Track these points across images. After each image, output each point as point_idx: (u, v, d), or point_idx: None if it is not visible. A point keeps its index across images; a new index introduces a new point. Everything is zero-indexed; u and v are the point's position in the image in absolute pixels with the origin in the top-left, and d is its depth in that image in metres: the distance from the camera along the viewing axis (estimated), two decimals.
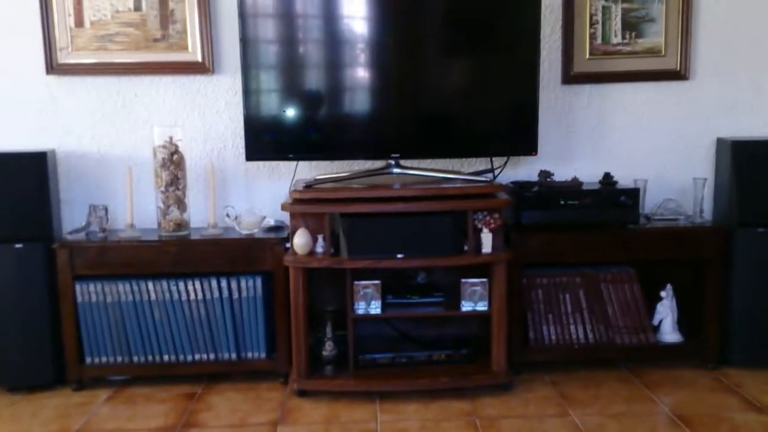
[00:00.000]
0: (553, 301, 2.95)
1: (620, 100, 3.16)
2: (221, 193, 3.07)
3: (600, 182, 2.99)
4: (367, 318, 2.76)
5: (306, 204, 2.63)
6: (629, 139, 3.18)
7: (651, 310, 3.02)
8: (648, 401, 2.65)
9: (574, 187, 2.90)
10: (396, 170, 2.80)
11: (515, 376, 2.88)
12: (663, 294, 3.01)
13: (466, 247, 2.67)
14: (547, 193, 2.85)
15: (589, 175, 3.11)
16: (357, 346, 2.78)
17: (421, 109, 2.85)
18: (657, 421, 2.49)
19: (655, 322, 3.02)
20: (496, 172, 2.90)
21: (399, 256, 2.62)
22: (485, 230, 2.66)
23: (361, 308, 2.76)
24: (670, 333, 3.00)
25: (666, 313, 3.01)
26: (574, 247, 2.86)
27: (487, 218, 2.64)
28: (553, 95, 3.14)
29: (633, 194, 2.84)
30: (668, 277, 3.02)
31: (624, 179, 3.01)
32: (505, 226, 2.74)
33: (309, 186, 2.72)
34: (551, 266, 2.96)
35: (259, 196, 3.12)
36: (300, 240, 2.65)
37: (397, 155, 2.81)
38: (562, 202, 2.84)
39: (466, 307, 2.76)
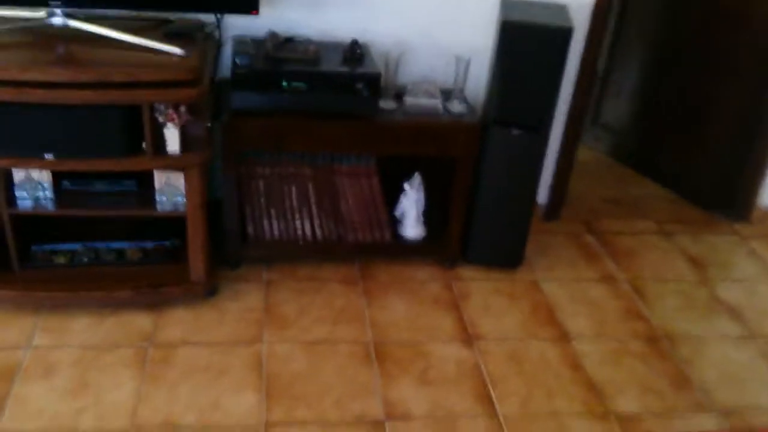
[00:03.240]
0: (277, 194, 2.50)
1: None
2: None
3: (344, 52, 2.39)
4: (35, 216, 2.20)
5: None
6: None
7: (395, 204, 2.65)
8: (356, 321, 2.38)
9: (303, 63, 2.30)
10: (56, 21, 2.06)
11: (232, 271, 2.53)
12: (407, 186, 2.63)
13: (145, 145, 2.09)
14: (266, 72, 2.24)
15: (346, 29, 2.51)
16: (31, 234, 2.27)
17: None
18: (351, 354, 2.23)
19: (398, 214, 2.68)
20: (209, 29, 2.23)
21: (48, 156, 2.01)
22: (170, 126, 2.06)
23: (25, 200, 2.19)
24: (412, 227, 2.69)
25: (410, 206, 2.66)
26: (303, 135, 2.35)
27: (170, 112, 2.04)
28: None
29: (372, 82, 2.29)
30: (419, 166, 2.62)
31: (384, 39, 2.50)
32: (206, 110, 2.16)
33: None
34: (276, 154, 2.45)
35: None
36: None
37: (58, 2, 2.05)
38: (285, 84, 2.25)
39: (162, 202, 2.25)
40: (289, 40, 2.39)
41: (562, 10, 2.45)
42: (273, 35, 2.32)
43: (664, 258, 2.94)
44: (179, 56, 2.06)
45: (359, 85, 2.26)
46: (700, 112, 3.25)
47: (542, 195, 3.06)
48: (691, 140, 3.31)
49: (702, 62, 3.19)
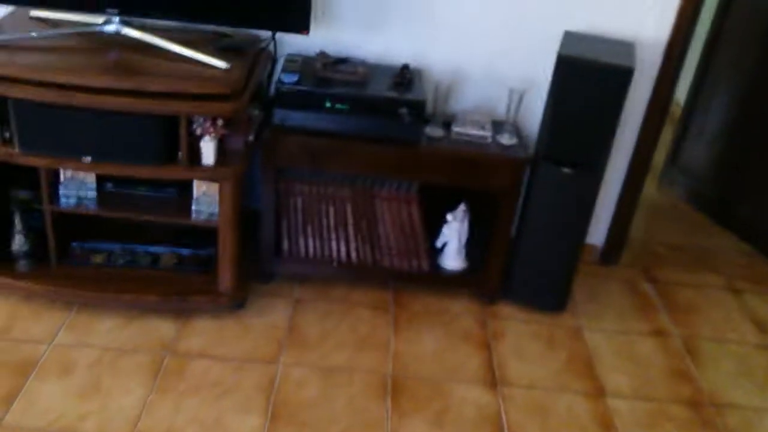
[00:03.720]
0: (315, 212, 2.47)
1: None
2: None
3: (394, 77, 2.33)
4: (77, 215, 2.26)
5: None
6: (459, 11, 2.45)
7: (437, 231, 2.57)
8: (379, 350, 2.31)
9: (349, 84, 2.26)
10: (109, 28, 2.10)
11: (265, 285, 2.52)
12: (449, 217, 2.54)
13: (180, 155, 2.10)
14: (308, 91, 2.21)
15: (405, 53, 2.47)
16: (73, 230, 2.35)
17: None
18: (367, 384, 2.16)
19: (439, 244, 2.59)
20: (263, 45, 2.23)
21: (86, 159, 2.05)
22: (206, 138, 2.07)
23: (68, 198, 2.25)
24: (452, 258, 2.59)
25: (452, 236, 2.57)
26: (342, 157, 2.30)
27: (207, 124, 2.04)
28: None
29: (416, 108, 2.22)
30: (465, 195, 2.53)
31: (442, 65, 2.45)
32: (249, 122, 2.16)
33: None
34: (317, 173, 2.42)
35: None
36: None
37: (115, 10, 2.10)
38: (328, 105, 2.21)
39: (198, 212, 2.26)
40: (342, 61, 2.36)
41: (629, 47, 2.30)
42: (323, 55, 2.29)
43: (727, 317, 2.71)
44: (222, 70, 2.06)
45: (402, 111, 2.20)
46: None
47: (599, 236, 2.89)
48: None
49: None
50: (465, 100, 2.54)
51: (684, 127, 3.47)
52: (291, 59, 2.33)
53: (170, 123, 2.03)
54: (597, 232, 2.86)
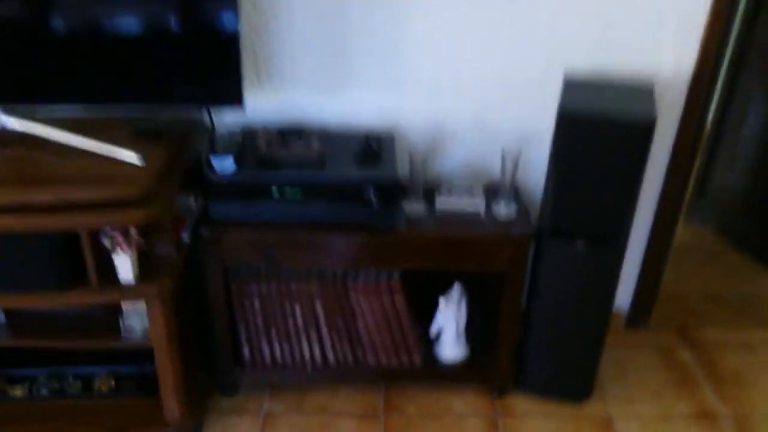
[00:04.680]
0: (278, 313, 2.03)
1: (421, 2, 1.92)
2: None
3: (357, 149, 1.89)
4: None
5: None
6: (432, 61, 2.01)
7: (429, 316, 2.13)
8: None
9: (300, 165, 1.81)
10: None
11: (230, 398, 2.10)
12: (443, 301, 2.10)
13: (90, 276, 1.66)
14: (247, 181, 1.77)
15: (375, 112, 2.04)
16: None
17: (49, 22, 1.66)
18: None
19: (434, 333, 2.15)
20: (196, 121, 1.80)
21: None
22: (120, 252, 1.63)
23: None
24: (451, 346, 2.16)
25: (448, 321, 2.13)
26: (301, 251, 1.87)
27: (117, 236, 1.61)
28: None
29: (386, 189, 1.77)
30: (459, 274, 2.09)
31: (418, 124, 2.05)
32: (179, 221, 1.73)
33: None
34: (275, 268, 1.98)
35: None
36: None
37: None
38: (275, 193, 1.77)
39: (129, 330, 1.84)
40: (293, 134, 1.91)
41: (646, 92, 1.83)
42: (265, 131, 1.85)
43: None
44: (134, 165, 1.63)
45: (369, 193, 1.75)
46: None
47: (624, 297, 2.44)
48: None
49: None
50: (450, 163, 2.11)
51: (711, 155, 3.00)
52: (227, 137, 1.90)
53: (71, 239, 1.60)
54: (621, 293, 2.42)
